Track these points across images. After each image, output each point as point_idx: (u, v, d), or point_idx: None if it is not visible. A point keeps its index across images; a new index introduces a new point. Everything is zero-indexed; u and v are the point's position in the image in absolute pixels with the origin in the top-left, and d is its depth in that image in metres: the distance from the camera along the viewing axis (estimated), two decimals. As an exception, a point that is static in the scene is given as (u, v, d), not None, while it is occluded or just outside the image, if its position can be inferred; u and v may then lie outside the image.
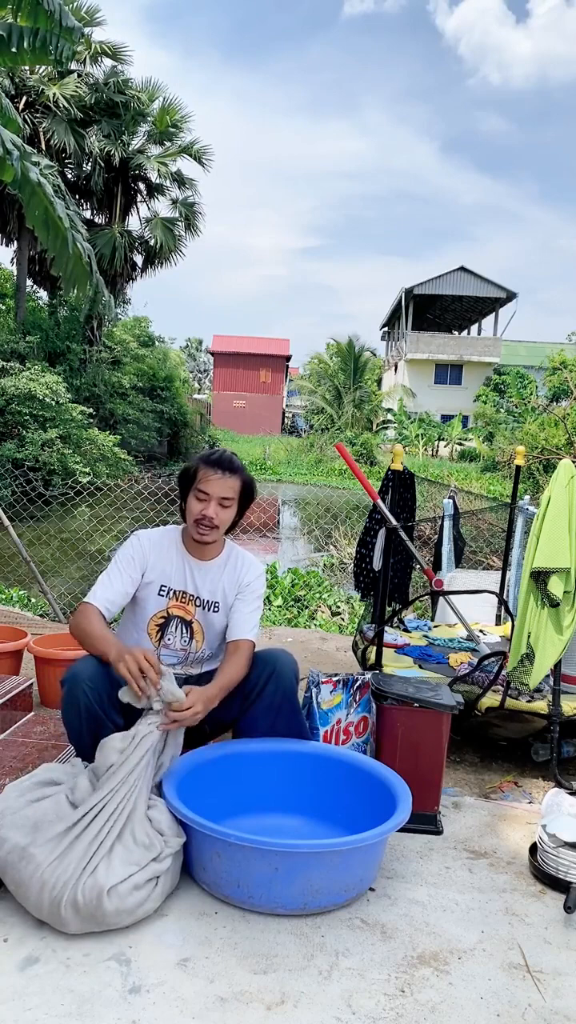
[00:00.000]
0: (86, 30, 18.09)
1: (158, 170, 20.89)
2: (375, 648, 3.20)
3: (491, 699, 2.97)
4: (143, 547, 2.50)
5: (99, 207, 21.49)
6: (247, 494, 2.51)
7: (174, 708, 2.16)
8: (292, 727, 2.49)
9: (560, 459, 3.95)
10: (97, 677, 2.26)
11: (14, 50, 5.91)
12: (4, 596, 6.72)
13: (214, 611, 2.55)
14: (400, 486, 3.53)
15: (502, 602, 4.15)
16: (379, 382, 38.42)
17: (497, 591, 4.14)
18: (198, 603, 2.54)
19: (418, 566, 3.65)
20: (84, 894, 1.80)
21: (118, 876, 1.86)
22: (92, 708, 2.24)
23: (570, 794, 2.38)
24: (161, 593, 2.52)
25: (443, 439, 33.41)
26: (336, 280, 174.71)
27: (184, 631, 2.54)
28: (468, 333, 43.22)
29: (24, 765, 2.62)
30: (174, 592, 2.53)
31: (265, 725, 2.47)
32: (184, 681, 2.53)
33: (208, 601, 2.54)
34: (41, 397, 15.55)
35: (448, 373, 38.09)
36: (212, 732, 2.57)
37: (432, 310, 40.83)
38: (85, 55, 19.09)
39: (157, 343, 31.18)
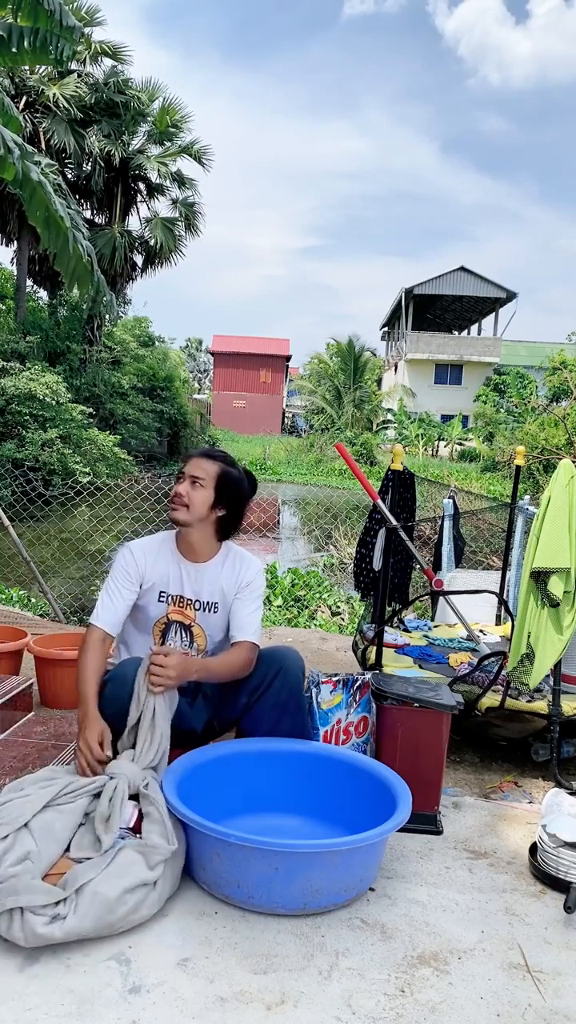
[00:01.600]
0: (86, 30, 18.09)
1: (158, 170, 20.88)
2: (375, 648, 3.20)
3: (491, 699, 2.97)
4: (135, 558, 2.51)
5: (99, 207, 21.48)
6: (226, 484, 2.49)
7: (153, 659, 2.25)
8: (296, 725, 2.50)
9: (560, 459, 3.95)
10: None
11: (14, 50, 5.90)
12: (4, 596, 6.72)
13: (213, 612, 2.55)
14: (400, 486, 3.53)
15: (502, 602, 4.14)
16: (379, 382, 38.40)
17: (497, 591, 4.14)
18: (197, 606, 2.54)
19: (418, 566, 3.66)
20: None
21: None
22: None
23: (570, 794, 2.38)
24: (161, 599, 2.53)
25: (443, 439, 33.40)
26: (336, 280, 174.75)
27: (184, 635, 2.54)
28: (468, 333, 43.21)
29: (24, 765, 2.61)
30: (171, 597, 2.53)
31: (270, 722, 2.47)
32: (186, 686, 2.54)
33: (207, 603, 2.54)
34: (41, 397, 15.55)
35: (448, 373, 38.08)
36: (220, 729, 2.58)
37: (432, 310, 40.82)
38: (85, 55, 19.07)
39: (157, 343, 31.17)
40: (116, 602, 2.47)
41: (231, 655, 2.44)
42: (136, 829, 2.05)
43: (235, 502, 2.52)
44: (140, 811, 2.12)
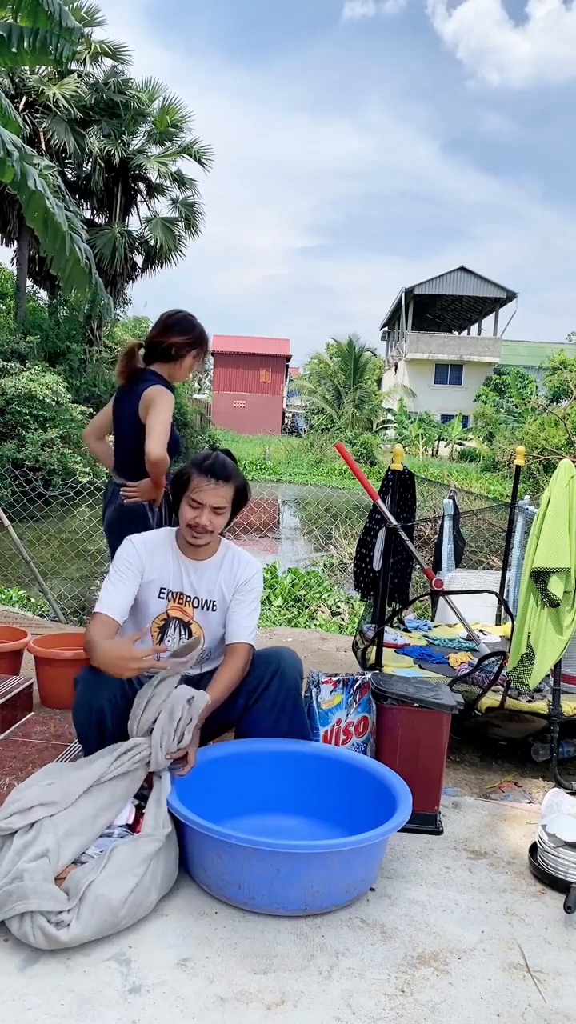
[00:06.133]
0: (86, 30, 18.10)
1: (158, 170, 20.89)
2: (375, 648, 3.20)
3: (491, 699, 2.97)
4: (138, 551, 2.50)
5: (99, 207, 21.49)
6: (240, 498, 2.53)
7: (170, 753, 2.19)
8: (295, 726, 2.49)
9: (560, 459, 3.95)
10: (111, 678, 2.27)
11: (14, 50, 5.92)
12: (4, 596, 6.72)
13: (212, 610, 2.55)
14: (400, 486, 3.53)
15: (502, 602, 4.14)
16: (379, 382, 38.41)
17: (497, 591, 4.14)
18: (195, 603, 2.54)
19: (418, 566, 3.65)
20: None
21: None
22: (103, 709, 2.27)
23: (570, 794, 2.38)
24: (161, 596, 2.52)
25: (443, 439, 33.40)
26: (336, 280, 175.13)
27: (182, 632, 2.54)
28: (468, 333, 43.20)
29: (24, 765, 2.62)
30: (171, 594, 2.53)
31: (268, 723, 2.47)
32: (184, 682, 2.53)
33: (206, 600, 2.54)
34: (41, 397, 15.55)
35: (448, 373, 38.07)
36: (215, 732, 2.57)
37: (432, 310, 40.81)
38: (85, 55, 19.10)
39: (157, 343, 31.10)
40: (120, 589, 2.43)
41: (229, 667, 2.42)
42: (134, 827, 2.06)
43: (244, 504, 2.57)
44: (139, 809, 2.13)
